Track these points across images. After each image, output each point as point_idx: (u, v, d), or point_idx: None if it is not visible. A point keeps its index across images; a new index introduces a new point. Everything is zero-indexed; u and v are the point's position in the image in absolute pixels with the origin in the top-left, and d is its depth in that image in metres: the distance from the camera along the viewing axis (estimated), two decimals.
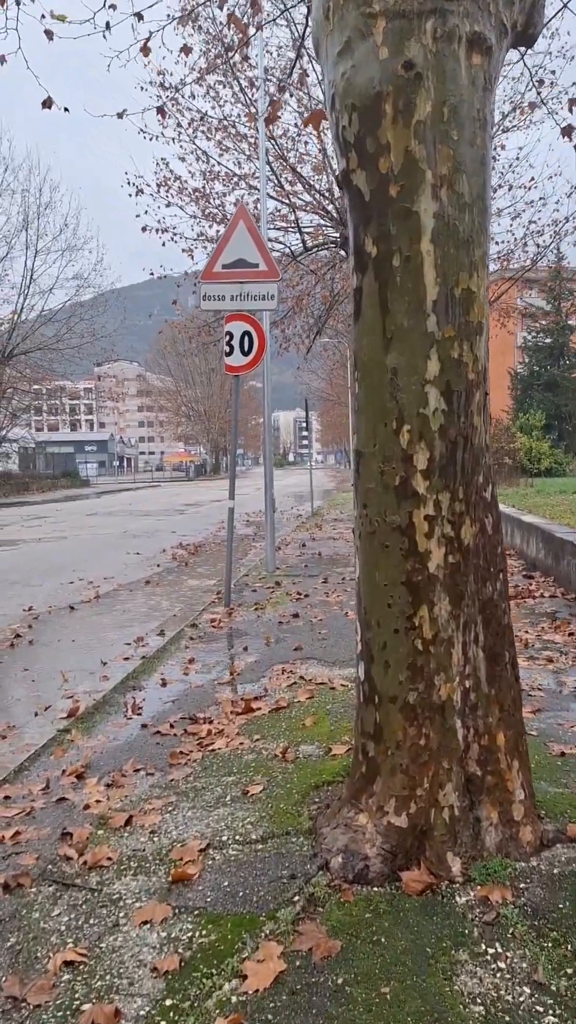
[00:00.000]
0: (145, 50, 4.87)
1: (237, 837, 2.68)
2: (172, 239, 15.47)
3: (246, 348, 6.71)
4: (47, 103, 4.96)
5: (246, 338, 6.71)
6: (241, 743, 3.56)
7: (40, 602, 7.95)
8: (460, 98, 2.29)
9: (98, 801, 3.01)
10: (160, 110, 5.95)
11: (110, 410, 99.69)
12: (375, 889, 2.28)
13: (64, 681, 5.02)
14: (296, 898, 2.26)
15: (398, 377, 2.33)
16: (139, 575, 9.81)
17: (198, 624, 6.31)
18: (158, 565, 10.65)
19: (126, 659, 5.25)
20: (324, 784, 3.01)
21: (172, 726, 3.86)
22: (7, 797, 3.14)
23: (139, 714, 4.10)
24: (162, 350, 74.18)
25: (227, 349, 6.77)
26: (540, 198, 15.29)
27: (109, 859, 2.56)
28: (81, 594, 8.40)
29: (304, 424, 24.62)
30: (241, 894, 2.33)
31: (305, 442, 25.91)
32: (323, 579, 8.36)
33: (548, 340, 51.82)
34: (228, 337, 6.76)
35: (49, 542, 14.30)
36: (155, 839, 2.71)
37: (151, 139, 15.71)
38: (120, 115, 5.29)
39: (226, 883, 2.39)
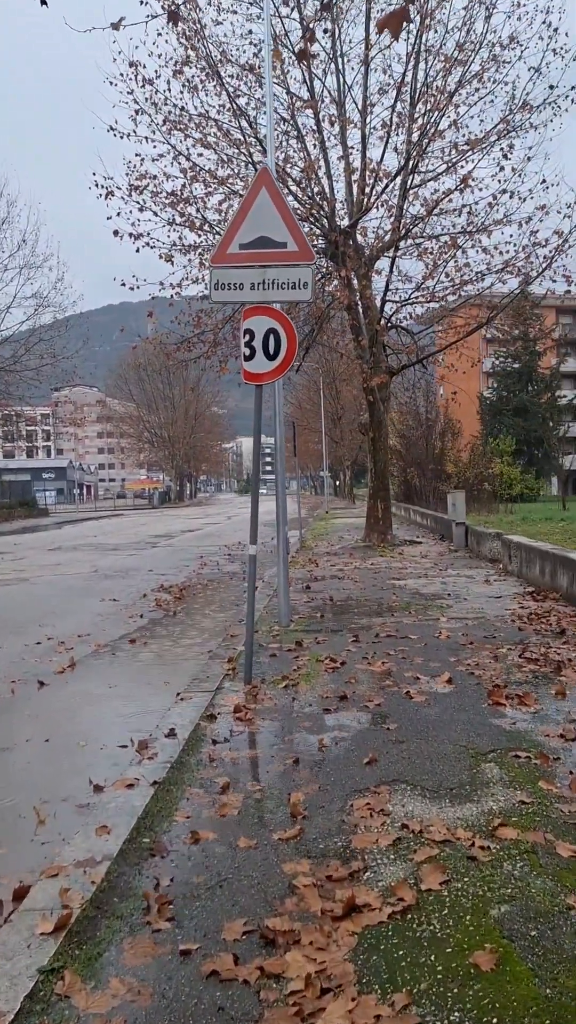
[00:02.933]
0: (116, 26, 4.13)
1: None
2: (147, 245, 13.98)
3: (271, 350, 5.22)
4: None
5: (271, 338, 5.22)
6: None
7: None
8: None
9: None
10: (173, 15, 4.49)
11: (69, 436, 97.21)
12: None
13: (39, 823, 3.40)
14: None
15: None
16: (119, 630, 8.16)
17: (217, 714, 4.72)
18: (141, 615, 9.00)
19: (129, 786, 3.63)
20: None
21: (236, 960, 2.26)
22: None
23: (170, 920, 2.50)
24: (124, 374, 72.38)
25: (247, 352, 5.27)
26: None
27: None
28: (51, 660, 6.72)
29: (267, 451, 23.37)
30: None
31: (269, 468, 24.68)
32: (352, 636, 6.83)
33: (516, 365, 51.49)
34: (248, 336, 5.26)
35: (8, 585, 12.51)
36: None
37: (121, 137, 14.33)
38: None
39: None
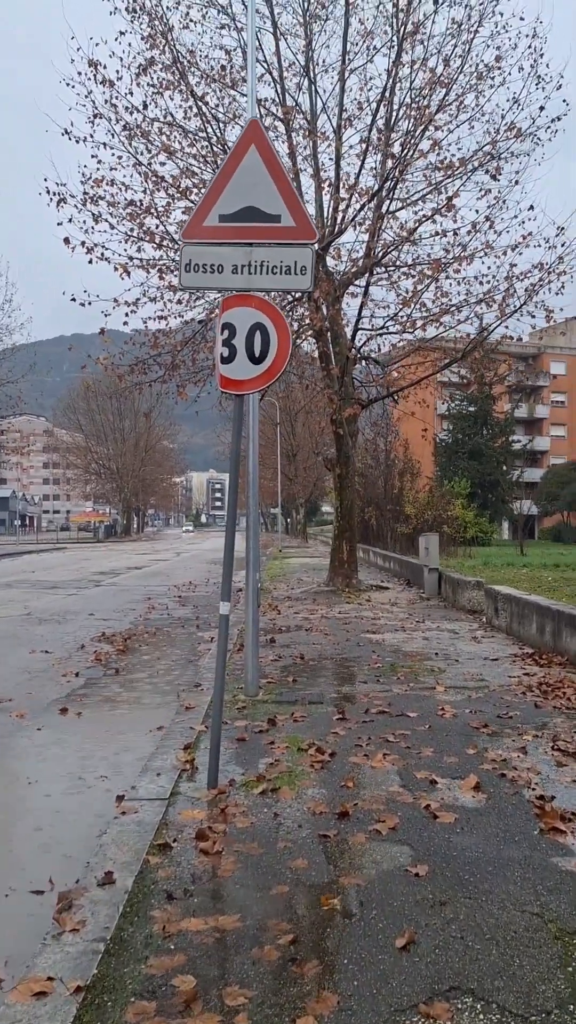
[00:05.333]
0: None
1: None
2: (102, 258, 12.79)
3: (257, 351, 4.03)
4: None
5: (257, 335, 4.04)
6: None
7: None
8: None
9: None
10: None
11: (12, 465, 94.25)
12: None
13: None
14: None
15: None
16: (50, 693, 6.74)
17: (172, 842, 3.40)
18: (76, 674, 7.58)
19: (38, 995, 2.30)
20: None
21: None
22: None
23: None
24: (73, 404, 70.40)
25: (224, 352, 4.07)
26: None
27: None
28: None
29: (218, 485, 22.19)
30: None
31: (218, 503, 23.52)
32: (336, 711, 5.58)
33: (472, 408, 51.61)
34: (226, 333, 4.07)
35: None
36: None
37: (77, 142, 13.21)
38: None
39: None
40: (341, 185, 12.80)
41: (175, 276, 12.84)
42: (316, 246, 4.27)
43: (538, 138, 13.55)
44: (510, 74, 13.14)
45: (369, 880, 3.02)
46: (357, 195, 12.48)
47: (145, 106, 12.31)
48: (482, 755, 4.53)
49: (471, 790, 3.96)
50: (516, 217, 13.68)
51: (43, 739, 5.37)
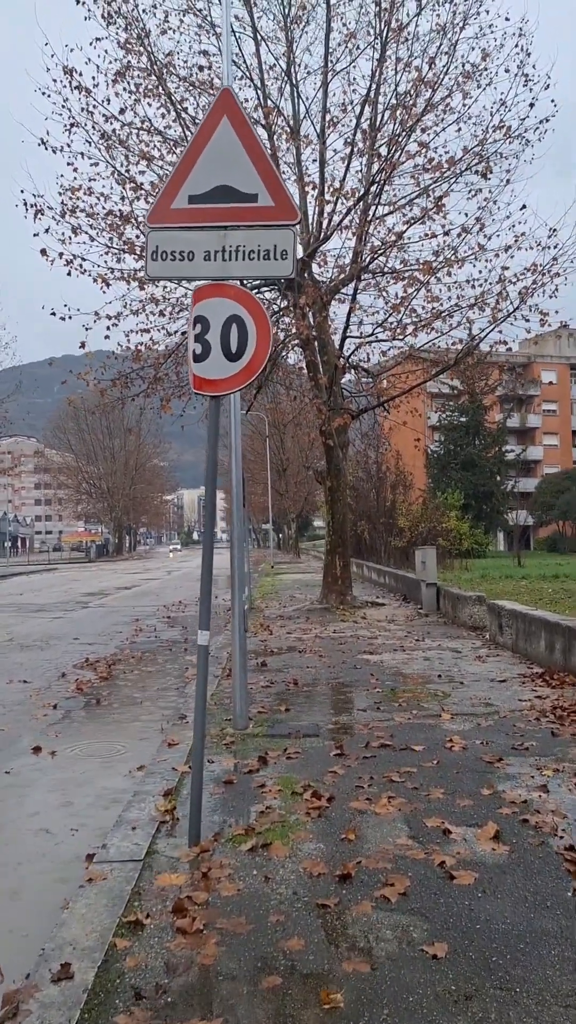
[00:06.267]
0: None
1: None
2: (79, 270, 12.37)
3: (234, 347, 3.57)
4: None
5: (234, 328, 3.58)
6: None
7: None
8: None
9: None
10: None
11: (4, 487, 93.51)
12: None
13: None
14: None
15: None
16: (24, 729, 6.23)
17: (144, 918, 2.89)
18: (54, 706, 7.05)
19: None
20: None
21: None
22: None
23: None
24: (62, 424, 69.86)
25: (196, 349, 3.61)
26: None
27: None
28: None
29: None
30: None
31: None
32: (334, 745, 5.08)
33: (464, 419, 51.29)
34: (198, 328, 3.61)
35: None
36: None
37: (54, 151, 12.82)
38: None
39: None
40: (326, 188, 12.43)
41: (156, 287, 12.44)
42: (297, 228, 3.85)
43: (527, 140, 13.26)
44: (496, 74, 12.84)
45: (378, 965, 2.52)
46: (343, 198, 12.11)
47: (123, 111, 11.93)
48: (499, 796, 4.03)
49: (490, 841, 3.47)
50: (508, 218, 13.71)
51: (10, 783, 4.85)
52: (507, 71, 13.15)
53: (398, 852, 3.39)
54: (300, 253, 13.46)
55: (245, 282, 4.15)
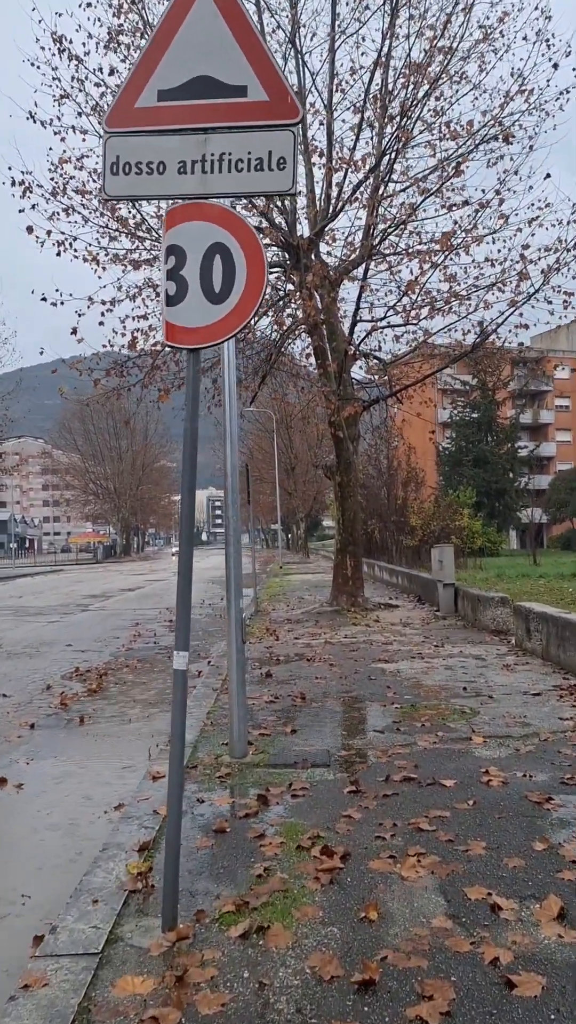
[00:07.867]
0: None
1: None
2: (72, 251, 11.60)
3: (217, 284, 2.77)
4: None
5: (217, 261, 2.77)
6: None
7: None
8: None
9: None
10: None
11: (12, 488, 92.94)
12: None
13: None
14: None
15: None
16: None
17: None
18: (32, 726, 6.27)
19: None
20: None
21: None
22: None
23: None
24: (68, 424, 69.19)
25: (170, 288, 2.80)
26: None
27: None
28: None
29: (217, 502, 20.90)
30: None
31: (219, 521, 22.30)
32: (348, 779, 4.27)
33: (475, 415, 50.27)
34: (171, 261, 2.80)
35: None
36: None
37: (44, 125, 12.06)
38: None
39: None
40: (334, 157, 11.60)
41: (151, 268, 11.66)
42: (299, 129, 3.09)
43: (546, 112, 12.42)
44: (515, 40, 12.00)
45: None
46: (353, 168, 11.27)
47: (112, 72, 11.14)
48: (556, 852, 3.21)
49: (554, 923, 2.65)
50: (531, 190, 12.52)
51: None
52: (525, 39, 12.33)
53: (435, 940, 2.58)
54: (307, 231, 12.66)
55: (232, 202, 3.34)
